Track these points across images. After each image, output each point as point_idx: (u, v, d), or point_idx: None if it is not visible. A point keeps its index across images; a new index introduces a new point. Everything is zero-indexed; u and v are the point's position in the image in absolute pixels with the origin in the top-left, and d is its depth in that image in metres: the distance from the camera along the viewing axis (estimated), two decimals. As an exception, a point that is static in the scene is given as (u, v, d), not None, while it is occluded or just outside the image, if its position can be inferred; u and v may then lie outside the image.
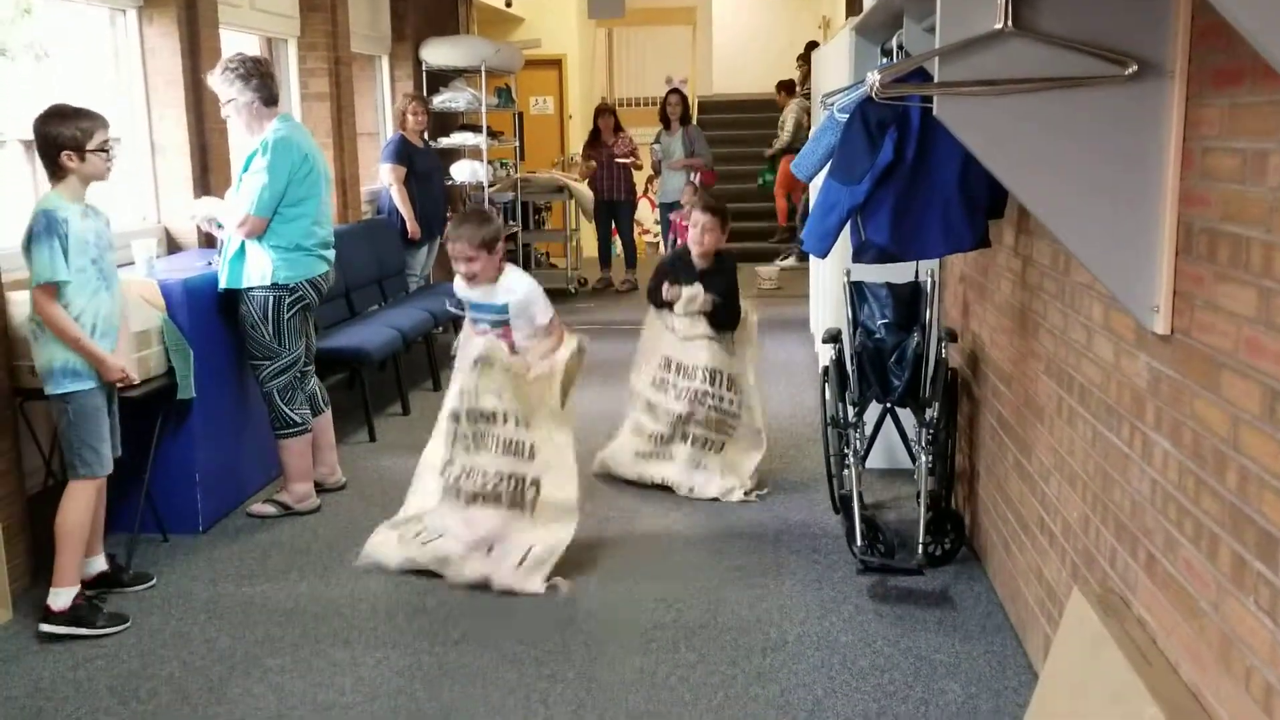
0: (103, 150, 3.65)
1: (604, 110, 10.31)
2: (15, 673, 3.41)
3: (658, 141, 10.08)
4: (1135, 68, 2.26)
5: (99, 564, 3.93)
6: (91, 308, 3.65)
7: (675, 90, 10.37)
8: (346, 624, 3.70)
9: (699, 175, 9.78)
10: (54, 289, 3.54)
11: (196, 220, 4.89)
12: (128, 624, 3.70)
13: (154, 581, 4.02)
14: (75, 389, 3.63)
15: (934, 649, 3.46)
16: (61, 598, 3.63)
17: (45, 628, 3.62)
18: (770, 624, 3.65)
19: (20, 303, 3.82)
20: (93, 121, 3.64)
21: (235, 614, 3.79)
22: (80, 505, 3.67)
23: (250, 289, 4.49)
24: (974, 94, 2.36)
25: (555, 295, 10.32)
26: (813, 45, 12.90)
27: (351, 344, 5.82)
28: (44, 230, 3.53)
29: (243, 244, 4.48)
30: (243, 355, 4.67)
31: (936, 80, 2.40)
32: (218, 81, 4.49)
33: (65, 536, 3.64)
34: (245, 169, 4.49)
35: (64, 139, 3.60)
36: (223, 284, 4.53)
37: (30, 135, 3.68)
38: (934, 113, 2.43)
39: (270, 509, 4.69)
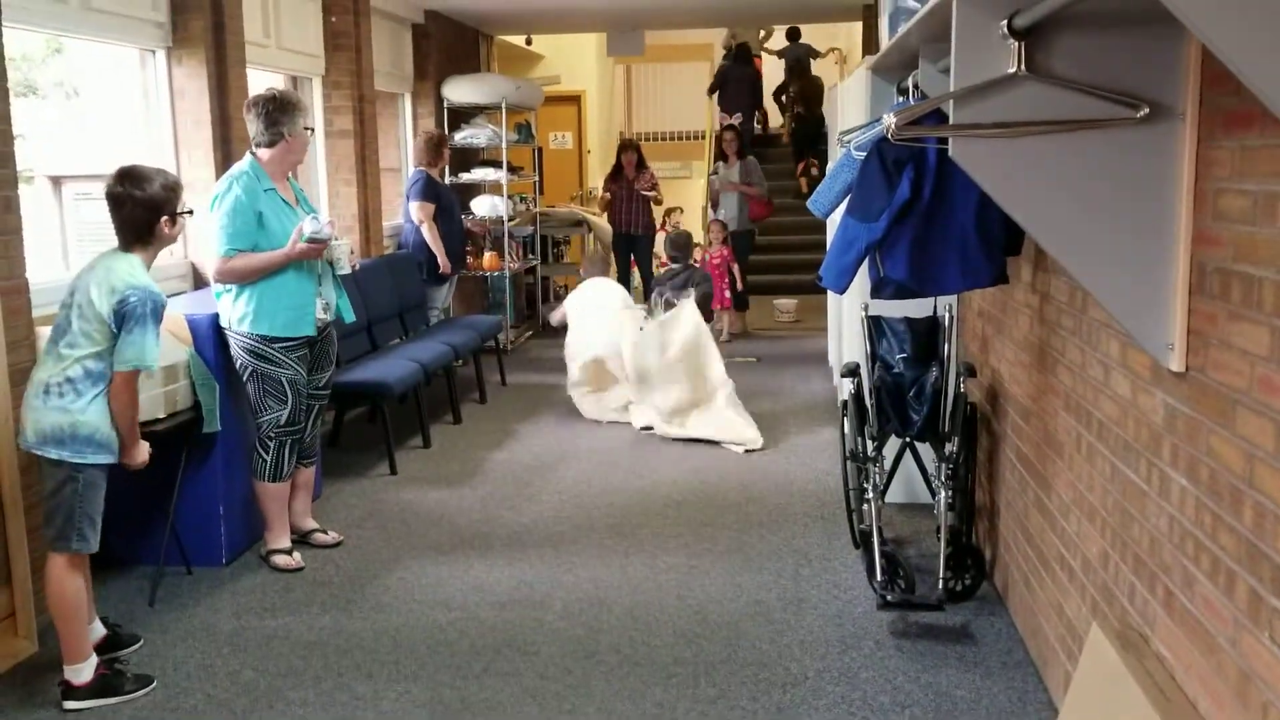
0: (187, 213, 3.58)
1: (627, 146, 10.38)
2: (41, 704, 3.45)
3: (715, 173, 10.20)
4: (1147, 110, 2.30)
5: (99, 629, 3.75)
6: None
7: (730, 127, 10.49)
8: (368, 657, 3.73)
9: (748, 206, 9.85)
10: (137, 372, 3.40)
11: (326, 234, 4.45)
12: (154, 684, 3.55)
13: (142, 642, 3.86)
14: (98, 461, 3.41)
15: (955, 684, 3.47)
16: (84, 672, 3.45)
17: (71, 705, 3.41)
18: (791, 659, 3.67)
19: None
20: (178, 182, 3.51)
21: (258, 646, 3.83)
22: (75, 577, 3.45)
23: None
24: (989, 136, 2.39)
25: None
26: (794, 31, 13.10)
27: (372, 377, 5.87)
28: (150, 314, 3.36)
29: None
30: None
31: (951, 122, 2.44)
32: (309, 113, 4.57)
33: (68, 612, 3.43)
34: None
35: (161, 201, 3.43)
36: (351, 316, 4.85)
37: (60, 173, 3.63)
38: (949, 154, 2.47)
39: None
